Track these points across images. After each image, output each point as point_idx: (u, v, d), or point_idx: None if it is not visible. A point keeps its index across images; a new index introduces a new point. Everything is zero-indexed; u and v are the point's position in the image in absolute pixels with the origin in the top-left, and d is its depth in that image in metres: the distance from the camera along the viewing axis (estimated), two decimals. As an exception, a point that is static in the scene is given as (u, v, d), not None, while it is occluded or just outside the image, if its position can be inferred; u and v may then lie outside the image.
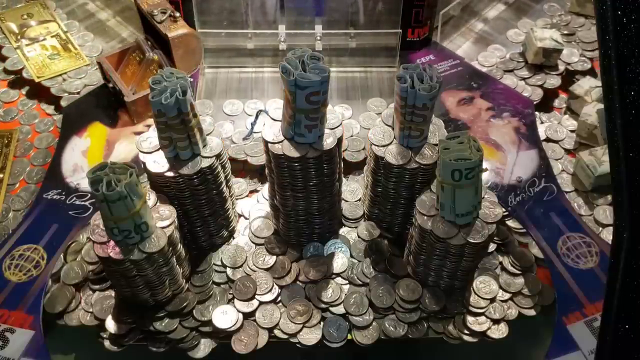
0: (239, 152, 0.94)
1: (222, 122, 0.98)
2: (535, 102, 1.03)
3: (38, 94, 1.06)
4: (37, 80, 1.06)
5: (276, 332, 0.77)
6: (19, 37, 1.13)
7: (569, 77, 1.08)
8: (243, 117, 1.00)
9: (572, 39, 1.15)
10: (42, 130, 1.00)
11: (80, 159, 0.94)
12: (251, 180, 0.93)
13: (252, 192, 0.92)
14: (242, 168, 0.95)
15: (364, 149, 0.94)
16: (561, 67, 1.08)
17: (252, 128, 0.95)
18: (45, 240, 0.84)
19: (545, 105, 1.05)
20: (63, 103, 1.02)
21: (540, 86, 1.06)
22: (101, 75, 1.03)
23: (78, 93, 1.04)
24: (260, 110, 0.97)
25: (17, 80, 1.08)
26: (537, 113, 1.01)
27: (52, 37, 1.13)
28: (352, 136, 0.96)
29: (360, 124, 0.98)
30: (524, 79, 1.07)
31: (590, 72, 1.08)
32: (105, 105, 1.02)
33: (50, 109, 1.04)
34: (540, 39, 1.06)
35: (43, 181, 0.91)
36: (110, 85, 1.02)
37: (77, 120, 0.99)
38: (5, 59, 1.10)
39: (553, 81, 1.07)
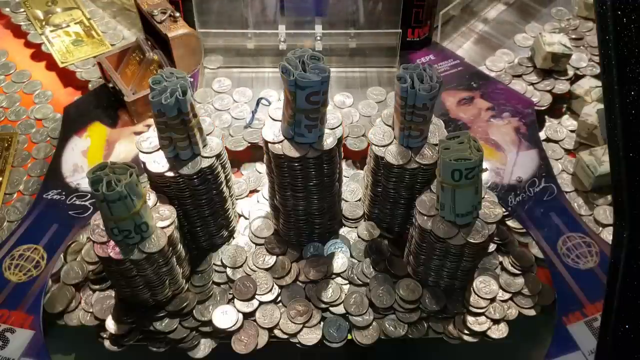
0: (237, 144, 0.96)
1: (220, 113, 1.01)
2: (544, 108, 1.03)
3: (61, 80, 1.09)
4: (61, 65, 1.08)
5: (276, 332, 0.77)
6: (43, 23, 1.15)
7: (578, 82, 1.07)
8: (236, 108, 1.02)
9: (580, 43, 1.14)
10: (39, 141, 1.00)
11: (80, 159, 0.94)
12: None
13: (252, 192, 0.92)
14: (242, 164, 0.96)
15: (364, 135, 0.96)
16: (570, 72, 1.07)
17: (253, 116, 0.98)
18: (45, 240, 0.84)
19: (554, 110, 1.04)
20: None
21: (549, 91, 1.05)
22: (101, 75, 1.03)
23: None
24: (261, 98, 1.00)
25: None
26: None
27: (75, 23, 1.15)
28: (352, 123, 0.99)
29: (359, 111, 1.01)
30: (532, 84, 1.06)
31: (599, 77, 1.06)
32: (105, 105, 1.02)
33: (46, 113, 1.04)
34: (549, 44, 1.05)
35: (43, 181, 0.91)
36: (110, 85, 1.02)
37: (77, 120, 0.99)
38: (31, 45, 1.13)
39: (562, 86, 1.05)
